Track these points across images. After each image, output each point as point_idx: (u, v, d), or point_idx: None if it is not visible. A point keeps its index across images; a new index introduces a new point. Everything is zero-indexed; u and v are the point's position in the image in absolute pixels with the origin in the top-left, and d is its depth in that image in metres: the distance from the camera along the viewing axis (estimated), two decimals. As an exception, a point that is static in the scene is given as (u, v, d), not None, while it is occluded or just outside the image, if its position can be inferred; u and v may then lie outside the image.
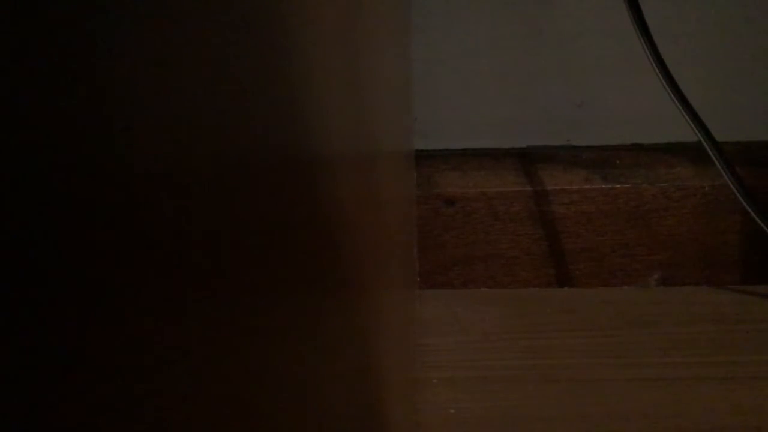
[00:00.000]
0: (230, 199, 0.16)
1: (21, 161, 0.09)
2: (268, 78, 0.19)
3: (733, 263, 0.77)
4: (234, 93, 0.17)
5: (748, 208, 0.68)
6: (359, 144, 0.34)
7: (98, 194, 0.11)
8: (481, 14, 0.76)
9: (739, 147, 0.77)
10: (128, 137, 0.12)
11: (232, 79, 0.17)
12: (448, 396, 0.62)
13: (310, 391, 0.23)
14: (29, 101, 0.09)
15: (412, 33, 0.75)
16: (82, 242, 0.11)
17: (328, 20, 0.27)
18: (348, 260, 0.29)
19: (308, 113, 0.23)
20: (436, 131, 0.79)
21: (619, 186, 0.76)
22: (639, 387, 0.62)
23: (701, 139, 0.67)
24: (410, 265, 0.70)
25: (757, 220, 0.68)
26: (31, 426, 0.09)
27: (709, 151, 0.68)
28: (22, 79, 0.09)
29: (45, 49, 0.10)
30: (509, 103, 0.78)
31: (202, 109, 0.15)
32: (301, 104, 0.22)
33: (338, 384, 0.27)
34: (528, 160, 0.78)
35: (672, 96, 0.67)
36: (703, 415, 0.59)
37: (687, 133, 0.69)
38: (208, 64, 0.15)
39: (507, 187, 0.76)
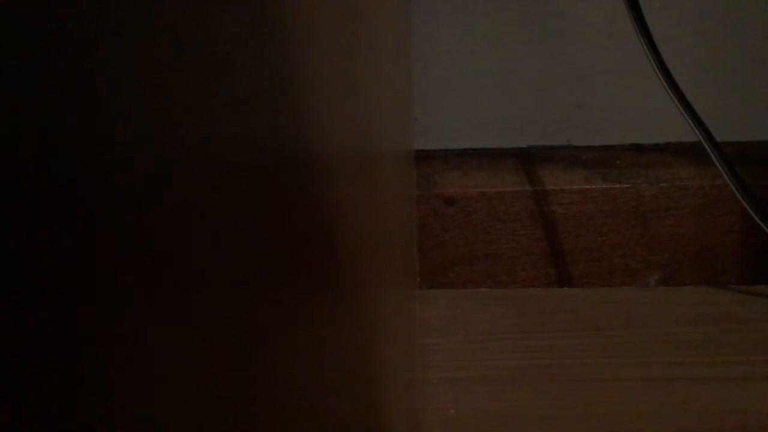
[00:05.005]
0: (229, 199, 0.16)
1: (21, 162, 0.09)
2: (267, 78, 0.19)
3: (733, 263, 0.77)
4: (233, 93, 0.17)
5: (748, 208, 0.68)
6: (359, 144, 0.34)
7: (97, 195, 0.11)
8: (481, 14, 0.76)
9: (739, 147, 0.77)
10: (127, 138, 0.12)
11: (232, 79, 0.17)
12: (448, 396, 0.62)
13: (310, 391, 0.23)
14: (29, 102, 0.09)
15: (412, 33, 0.75)
16: (82, 243, 0.11)
17: (328, 20, 0.27)
18: (348, 260, 0.29)
19: (308, 113, 0.23)
20: (436, 131, 0.79)
21: (619, 186, 0.76)
22: (639, 387, 0.62)
23: (701, 139, 0.67)
24: (410, 265, 0.70)
25: (757, 220, 0.68)
26: (32, 426, 0.09)
27: (709, 151, 0.68)
28: (22, 79, 0.09)
29: (45, 49, 0.10)
30: (509, 103, 0.78)
31: (201, 110, 0.15)
32: (300, 104, 0.22)
33: (338, 384, 0.27)
34: (528, 160, 0.78)
35: (672, 96, 0.67)
36: (703, 415, 0.59)
37: (687, 133, 0.69)
38: (207, 64, 0.15)
39: (507, 187, 0.76)
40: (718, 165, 0.68)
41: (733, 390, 0.61)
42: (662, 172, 0.76)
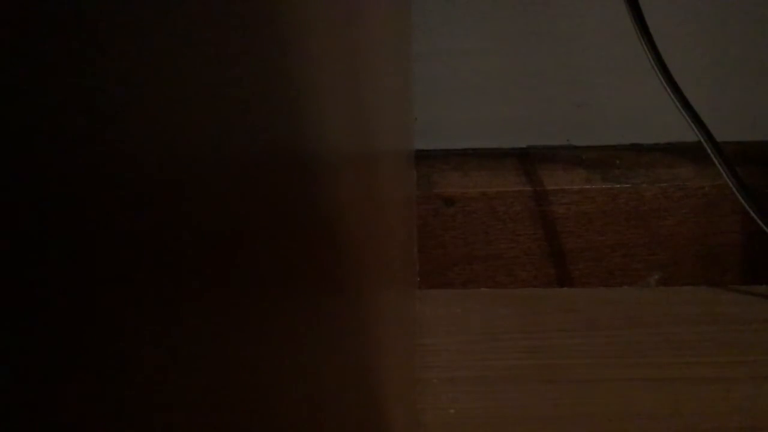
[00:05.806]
0: (229, 199, 0.16)
1: (20, 162, 0.09)
2: (267, 78, 0.19)
3: (733, 263, 0.77)
4: (233, 92, 0.17)
5: (748, 208, 0.68)
6: (359, 144, 0.34)
7: (97, 195, 0.11)
8: (481, 14, 0.76)
9: (739, 147, 0.77)
10: (127, 137, 0.12)
11: (232, 79, 0.17)
12: (448, 396, 0.62)
13: (310, 391, 0.23)
14: (29, 101, 0.09)
15: (412, 32, 0.75)
16: (82, 243, 0.11)
17: (328, 20, 0.27)
18: (348, 260, 0.29)
19: (308, 113, 0.23)
20: (436, 131, 0.79)
21: (619, 186, 0.76)
22: (639, 387, 0.62)
23: (701, 139, 0.68)
24: (410, 265, 0.70)
25: (757, 220, 0.68)
26: (31, 426, 0.09)
27: (709, 151, 0.68)
28: (22, 79, 0.09)
29: (45, 49, 0.10)
30: (509, 103, 0.78)
31: (201, 109, 0.15)
32: (300, 104, 0.22)
33: (338, 384, 0.27)
34: (528, 160, 0.78)
35: (672, 96, 0.67)
36: (703, 415, 0.59)
37: (687, 133, 0.69)
38: (207, 64, 0.15)
39: (507, 187, 0.76)
40: (718, 165, 0.68)
41: (733, 390, 0.61)
42: (662, 172, 0.76)
